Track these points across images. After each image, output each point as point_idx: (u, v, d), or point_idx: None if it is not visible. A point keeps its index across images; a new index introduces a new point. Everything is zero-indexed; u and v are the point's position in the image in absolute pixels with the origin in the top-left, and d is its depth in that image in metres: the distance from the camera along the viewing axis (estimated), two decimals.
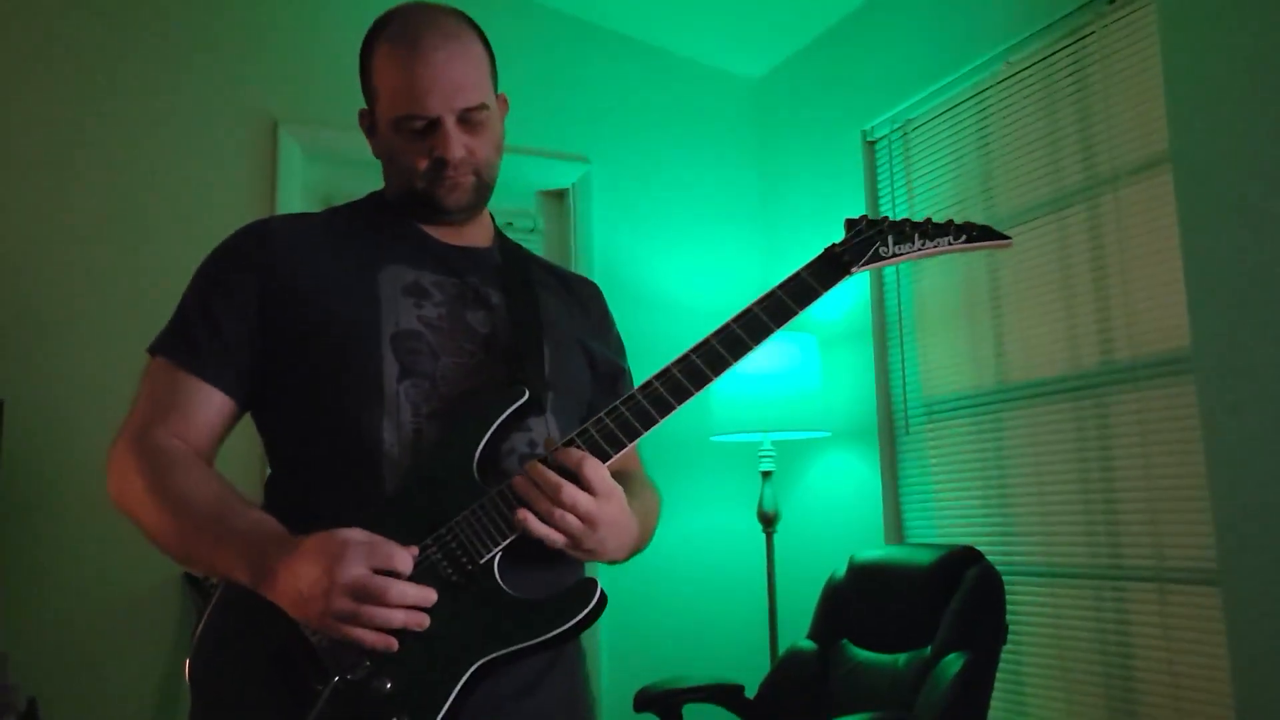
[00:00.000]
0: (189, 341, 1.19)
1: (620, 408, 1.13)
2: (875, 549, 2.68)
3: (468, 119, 1.21)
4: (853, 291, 3.14)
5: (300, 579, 1.01)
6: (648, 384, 1.14)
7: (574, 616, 1.07)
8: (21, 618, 2.48)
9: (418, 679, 1.04)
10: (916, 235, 1.22)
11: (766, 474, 3.01)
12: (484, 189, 1.27)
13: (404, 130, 1.20)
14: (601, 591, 1.09)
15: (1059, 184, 2.54)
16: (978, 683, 2.19)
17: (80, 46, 2.78)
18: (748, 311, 1.17)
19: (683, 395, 1.14)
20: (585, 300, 1.41)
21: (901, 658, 2.38)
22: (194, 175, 2.84)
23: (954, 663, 2.18)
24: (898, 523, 2.96)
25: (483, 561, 1.08)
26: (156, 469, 1.13)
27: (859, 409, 3.07)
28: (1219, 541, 2.03)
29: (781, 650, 2.76)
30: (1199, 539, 2.13)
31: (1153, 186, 2.28)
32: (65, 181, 2.72)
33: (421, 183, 1.23)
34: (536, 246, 3.31)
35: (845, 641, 2.56)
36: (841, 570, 2.65)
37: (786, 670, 2.61)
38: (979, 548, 2.40)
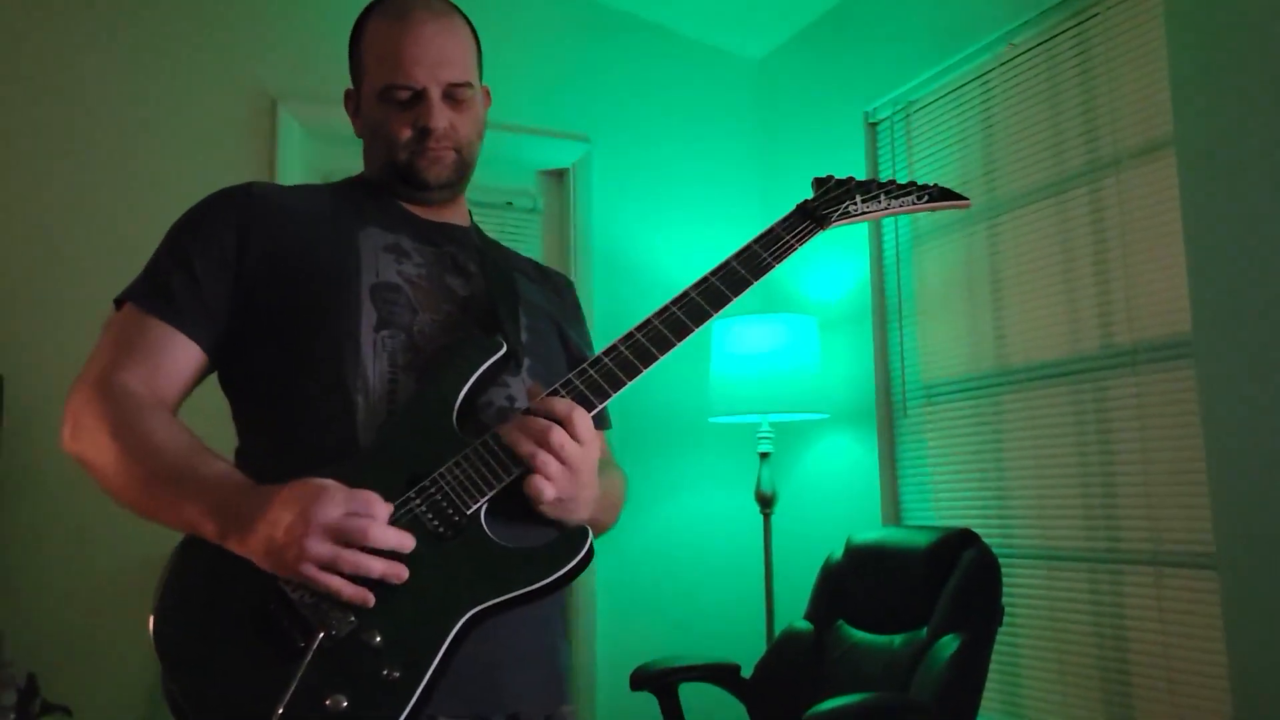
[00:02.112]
0: (163, 289, 1.16)
1: (604, 359, 1.14)
2: (872, 531, 2.69)
3: (452, 95, 1.24)
4: (852, 274, 3.14)
5: (276, 526, 0.99)
6: (629, 335, 1.16)
7: (566, 564, 1.07)
8: (20, 594, 2.49)
9: (407, 632, 1.02)
10: (882, 195, 1.27)
11: (764, 455, 3.01)
12: (464, 168, 1.28)
13: (390, 101, 1.22)
14: (592, 539, 1.09)
15: (1061, 167, 2.53)
16: (973, 664, 2.20)
17: (77, 22, 2.76)
18: (725, 265, 1.20)
19: (664, 346, 1.15)
20: (560, 290, 1.43)
21: (897, 639, 2.39)
22: (193, 153, 2.83)
23: (949, 644, 2.19)
24: (895, 505, 2.96)
25: (469, 512, 1.07)
26: (122, 413, 1.10)
27: (857, 391, 3.07)
28: (1216, 525, 2.04)
29: (778, 631, 2.77)
30: (1196, 523, 2.13)
31: (1155, 170, 2.27)
32: (62, 158, 2.71)
33: (404, 154, 1.24)
34: (536, 226, 3.31)
35: (841, 622, 2.57)
36: (838, 552, 2.66)
37: (782, 650, 2.63)
38: (976, 530, 2.41)
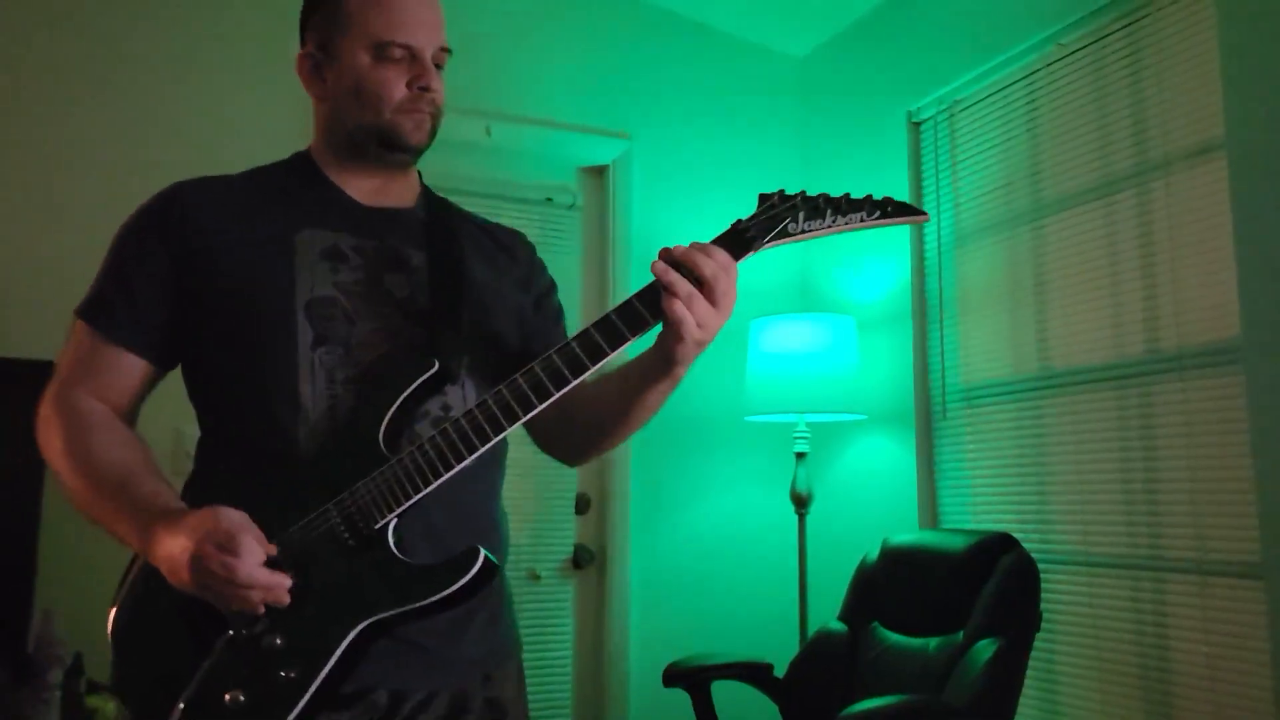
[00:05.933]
0: (105, 308, 1.24)
1: (539, 367, 1.13)
2: (909, 533, 2.67)
3: (437, 60, 1.27)
4: (892, 274, 3.11)
5: (173, 549, 1.07)
6: (564, 347, 1.13)
7: (456, 581, 1.11)
8: (69, 574, 2.54)
9: (308, 636, 1.10)
10: (829, 210, 1.15)
11: (801, 455, 3.00)
12: (433, 135, 1.30)
13: (382, 59, 1.23)
14: (486, 559, 1.12)
15: (1109, 169, 2.50)
16: (1009, 670, 2.18)
17: (129, 11, 2.81)
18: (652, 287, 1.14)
19: (560, 383, 1.12)
20: (514, 252, 1.41)
21: (933, 642, 2.37)
22: (239, 143, 2.86)
23: (986, 649, 2.17)
24: (932, 507, 2.94)
25: (377, 527, 1.13)
26: (73, 430, 1.19)
27: (896, 392, 3.05)
28: (1263, 534, 2.00)
29: (811, 631, 2.76)
30: (1243, 531, 2.10)
31: (1206, 173, 2.24)
32: (115, 147, 2.75)
33: (391, 114, 1.24)
34: (575, 223, 3.32)
35: (876, 624, 2.56)
36: (874, 553, 2.65)
37: (816, 651, 2.62)
38: (1015, 535, 2.39)
